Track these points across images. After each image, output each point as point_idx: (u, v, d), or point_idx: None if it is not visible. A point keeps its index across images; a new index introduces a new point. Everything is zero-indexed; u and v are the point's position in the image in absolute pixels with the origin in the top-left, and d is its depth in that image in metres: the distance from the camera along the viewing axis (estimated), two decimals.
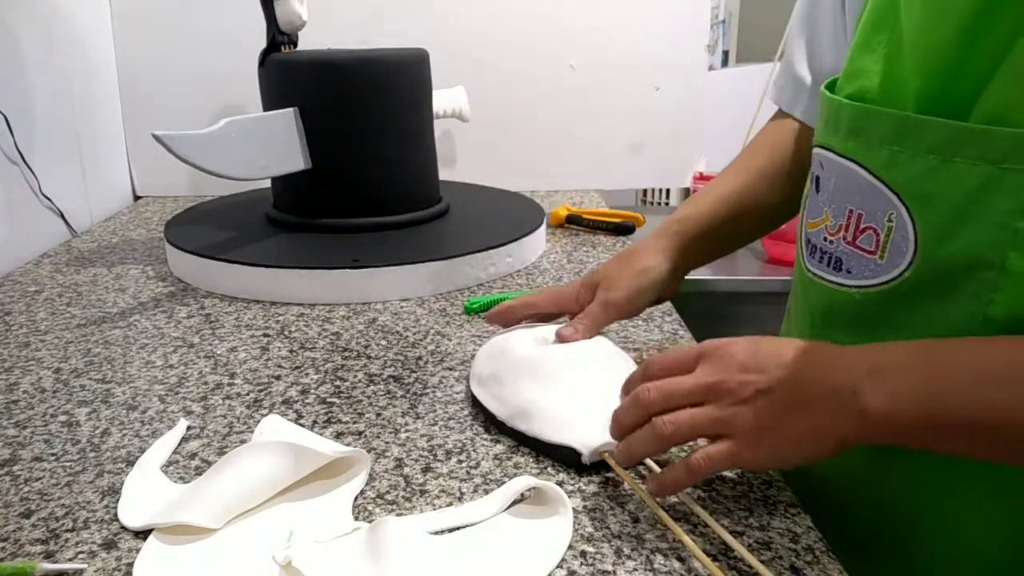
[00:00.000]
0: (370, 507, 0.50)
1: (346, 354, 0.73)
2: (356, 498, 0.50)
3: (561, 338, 0.63)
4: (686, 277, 0.71)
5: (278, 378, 0.68)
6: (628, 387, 0.50)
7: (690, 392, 0.45)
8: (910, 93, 0.46)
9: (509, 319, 0.69)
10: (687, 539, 0.45)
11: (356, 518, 0.48)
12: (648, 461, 0.52)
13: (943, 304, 0.45)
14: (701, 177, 1.55)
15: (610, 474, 0.52)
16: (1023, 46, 0.40)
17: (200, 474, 0.53)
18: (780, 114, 0.71)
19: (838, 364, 0.43)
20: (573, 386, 0.58)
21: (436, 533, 0.47)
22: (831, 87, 0.53)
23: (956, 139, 0.42)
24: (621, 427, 0.48)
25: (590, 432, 0.53)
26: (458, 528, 0.47)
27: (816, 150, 0.53)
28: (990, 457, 0.43)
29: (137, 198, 1.41)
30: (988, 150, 0.41)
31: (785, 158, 0.68)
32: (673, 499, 0.49)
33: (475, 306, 0.83)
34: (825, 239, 0.52)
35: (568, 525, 0.47)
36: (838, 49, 0.62)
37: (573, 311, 0.67)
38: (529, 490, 0.50)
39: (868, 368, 0.42)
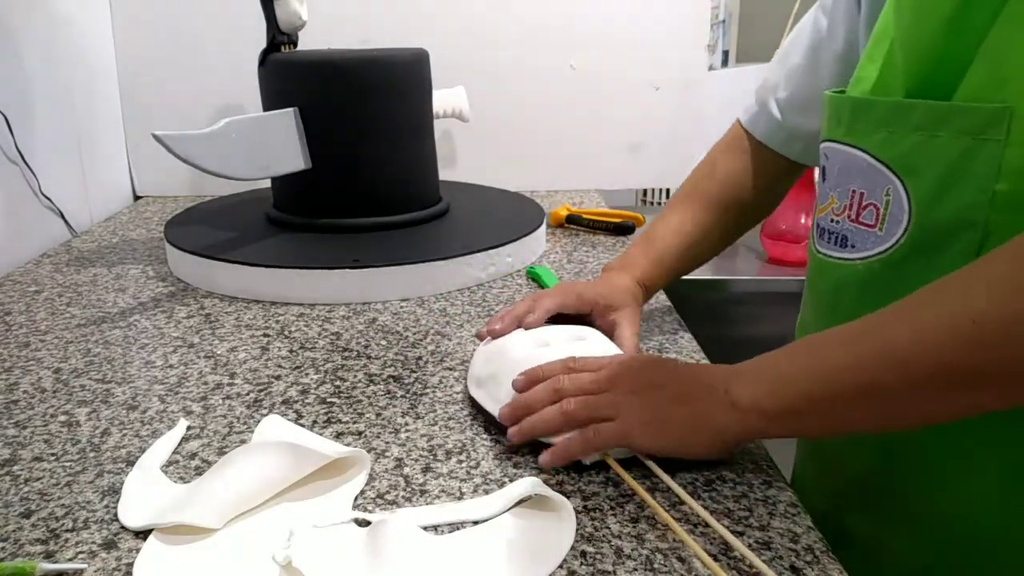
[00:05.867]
0: (370, 507, 0.50)
1: (346, 354, 0.73)
2: (356, 498, 0.50)
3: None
4: (687, 277, 0.81)
5: (278, 378, 0.68)
6: (541, 373, 0.57)
7: (595, 382, 0.54)
8: (900, 84, 0.51)
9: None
10: (688, 539, 0.45)
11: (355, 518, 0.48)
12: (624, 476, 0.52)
13: (936, 264, 0.49)
14: None
15: (610, 474, 0.52)
16: (995, 35, 0.46)
17: (200, 474, 0.53)
18: (734, 136, 0.78)
19: (713, 371, 0.53)
20: None
21: (436, 532, 0.47)
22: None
23: (940, 116, 0.48)
24: (531, 406, 0.55)
25: None
26: (458, 525, 0.47)
27: (823, 145, 0.58)
28: (864, 426, 0.50)
29: (137, 198, 1.41)
30: (967, 124, 0.47)
31: (731, 189, 0.76)
32: (674, 499, 0.49)
33: (534, 271, 0.93)
34: (832, 220, 0.57)
35: (571, 526, 0.47)
36: (798, 82, 0.71)
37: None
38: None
39: (735, 372, 0.51)
